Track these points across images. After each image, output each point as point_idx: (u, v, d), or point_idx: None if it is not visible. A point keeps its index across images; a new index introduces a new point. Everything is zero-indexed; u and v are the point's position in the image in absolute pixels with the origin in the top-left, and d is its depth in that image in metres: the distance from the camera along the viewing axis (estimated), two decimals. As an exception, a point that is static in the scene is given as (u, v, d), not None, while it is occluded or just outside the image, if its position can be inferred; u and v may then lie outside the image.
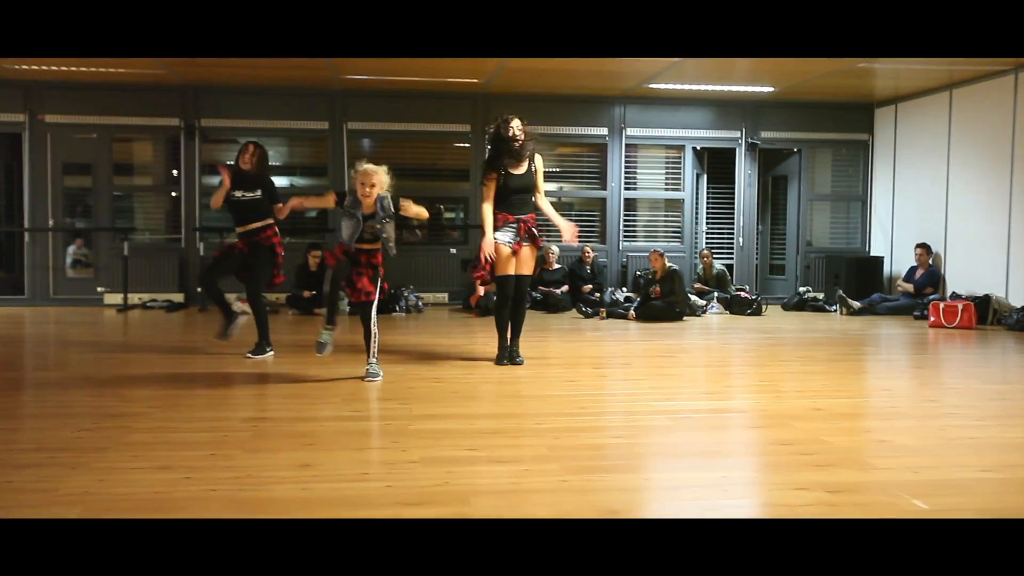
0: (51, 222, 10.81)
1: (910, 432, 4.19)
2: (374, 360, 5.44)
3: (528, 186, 6.15)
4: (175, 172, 11.05)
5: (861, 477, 3.38)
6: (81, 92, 10.62)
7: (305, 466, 3.45)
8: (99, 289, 10.87)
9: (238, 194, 6.41)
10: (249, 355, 6.31)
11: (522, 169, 6.10)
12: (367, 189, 5.37)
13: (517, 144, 6.04)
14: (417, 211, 5.61)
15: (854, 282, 11.05)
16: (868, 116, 12.05)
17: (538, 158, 6.20)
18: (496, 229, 6.08)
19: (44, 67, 9.79)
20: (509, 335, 6.21)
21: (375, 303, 5.47)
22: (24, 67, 9.75)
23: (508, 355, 6.16)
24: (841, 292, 10.59)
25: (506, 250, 6.06)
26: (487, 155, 6.27)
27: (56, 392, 5.18)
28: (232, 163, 6.67)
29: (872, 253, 12.01)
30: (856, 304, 10.33)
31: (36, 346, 7.63)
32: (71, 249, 11.28)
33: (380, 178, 5.41)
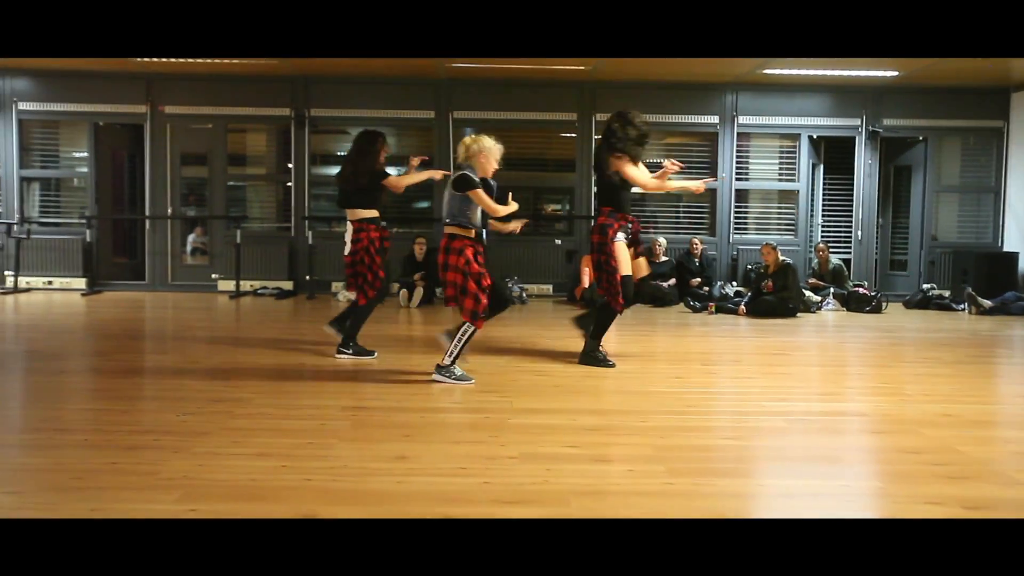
0: (170, 210, 11.19)
1: (1055, 444, 3.82)
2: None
3: None
4: (289, 165, 11.23)
5: (1002, 492, 3.07)
6: (198, 83, 10.93)
7: (402, 458, 3.37)
8: (213, 276, 11.18)
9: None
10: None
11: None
12: (495, 165, 5.15)
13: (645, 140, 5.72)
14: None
15: (984, 279, 10.34)
16: (1003, 101, 11.24)
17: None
18: (620, 229, 5.60)
19: (165, 60, 10.10)
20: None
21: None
22: (146, 60, 10.09)
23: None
24: (970, 290, 9.92)
25: (627, 249, 5.65)
26: (631, 139, 5.58)
27: (166, 376, 5.30)
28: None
29: (1005, 248, 11.23)
30: (987, 303, 9.66)
31: (152, 331, 7.89)
32: (191, 237, 11.68)
33: None
